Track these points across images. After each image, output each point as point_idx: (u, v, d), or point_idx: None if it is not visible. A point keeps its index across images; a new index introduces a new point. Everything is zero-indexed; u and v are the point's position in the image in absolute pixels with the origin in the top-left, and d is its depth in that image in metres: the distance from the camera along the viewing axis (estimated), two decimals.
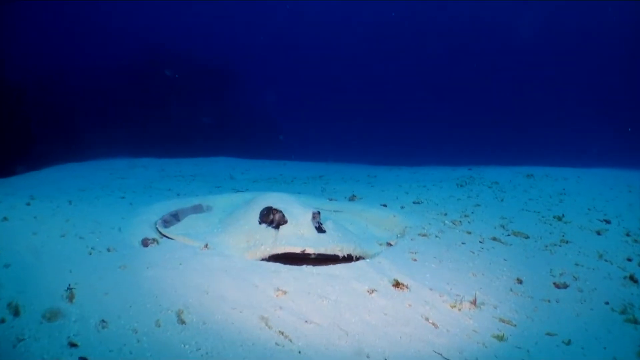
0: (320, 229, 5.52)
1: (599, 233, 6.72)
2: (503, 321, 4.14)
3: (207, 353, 3.30)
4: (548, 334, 3.88)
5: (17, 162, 13.51)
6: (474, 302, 4.33)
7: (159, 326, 3.64)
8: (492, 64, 46.36)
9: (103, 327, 3.52)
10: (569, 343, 3.72)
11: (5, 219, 5.87)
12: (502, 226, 6.78)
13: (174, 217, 6.71)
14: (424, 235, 6.33)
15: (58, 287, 4.01)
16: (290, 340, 3.55)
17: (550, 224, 7.06)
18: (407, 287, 4.59)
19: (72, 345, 3.21)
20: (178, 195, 9.27)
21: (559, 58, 44.66)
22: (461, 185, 10.48)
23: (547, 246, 5.97)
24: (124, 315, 3.73)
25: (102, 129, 20.00)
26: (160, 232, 5.94)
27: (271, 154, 21.59)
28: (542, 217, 7.49)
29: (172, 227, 6.38)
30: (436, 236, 6.29)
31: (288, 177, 13.94)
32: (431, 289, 4.64)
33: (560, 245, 6.06)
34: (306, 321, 3.84)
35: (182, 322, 3.69)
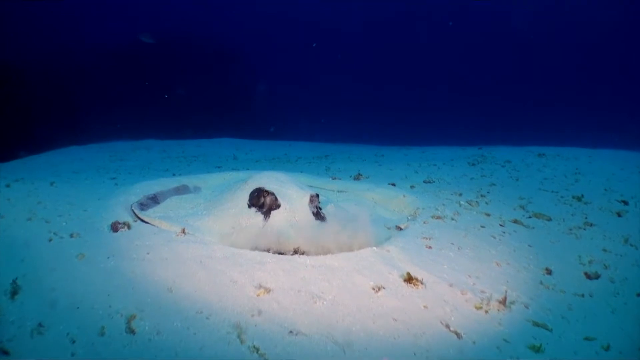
0: (318, 215, 4.59)
1: (619, 215, 6.24)
2: (537, 325, 3.33)
3: None
4: (587, 338, 3.26)
5: (19, 146, 12.80)
6: (503, 302, 3.48)
7: (102, 335, 2.84)
8: (499, 42, 44.77)
9: (39, 333, 2.84)
10: (608, 348, 3.16)
11: None
12: (522, 207, 6.25)
13: (152, 200, 5.80)
14: (438, 217, 5.58)
15: (4, 280, 3.38)
16: None
17: (571, 205, 6.57)
18: (421, 283, 3.70)
19: (4, 352, 2.67)
20: (173, 175, 8.36)
21: (566, 37, 42.92)
22: (473, 164, 10.00)
23: (571, 229, 5.47)
24: (66, 319, 3.00)
25: (106, 111, 19.17)
26: (135, 215, 5.05)
27: (280, 135, 20.61)
28: (561, 197, 7.00)
29: (150, 210, 5.49)
30: (452, 219, 5.58)
31: (293, 156, 13.24)
32: (451, 285, 3.75)
33: (584, 229, 5.55)
34: (291, 331, 2.95)
35: (131, 331, 2.86)
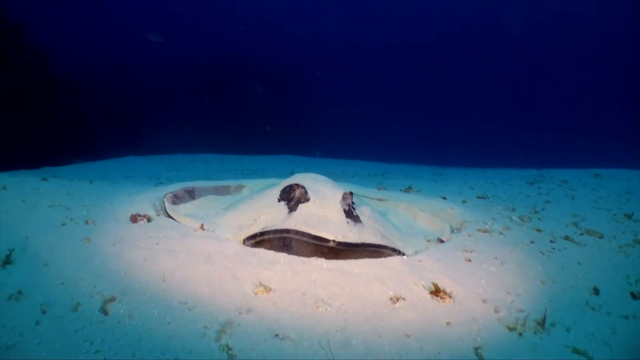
0: (349, 214, 4.35)
1: None
2: (577, 352, 2.91)
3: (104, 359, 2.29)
4: None
5: (73, 153, 13.74)
6: (541, 323, 3.10)
7: (75, 311, 2.81)
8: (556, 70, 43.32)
9: (15, 299, 2.91)
10: None
11: (4, 187, 5.45)
12: (575, 224, 6.27)
13: (188, 194, 5.85)
14: (485, 231, 5.40)
15: (1, 250, 3.50)
16: None
17: (622, 222, 6.59)
18: (449, 296, 3.36)
19: None
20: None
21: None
22: (531, 183, 10.19)
23: (621, 247, 5.39)
24: (47, 292, 3.03)
25: (168, 126, 20.23)
26: (164, 206, 5.12)
27: (339, 154, 20.61)
28: (614, 215, 7.04)
29: (181, 205, 5.53)
30: (500, 233, 5.42)
31: (349, 173, 13.42)
32: (484, 301, 3.39)
33: (633, 246, 5.45)
34: (277, 335, 2.71)
35: (105, 312, 2.79)
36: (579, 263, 4.64)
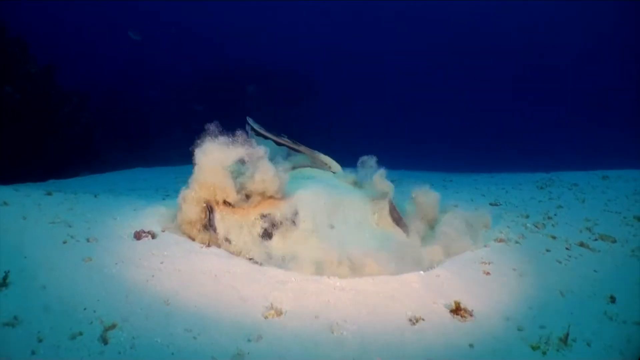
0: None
1: None
2: None
3: None
4: None
5: (81, 165, 13.68)
6: (564, 339, 3.06)
7: (73, 339, 2.69)
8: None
9: (10, 326, 2.79)
10: None
11: (4, 203, 5.37)
12: (588, 229, 6.40)
13: None
14: (502, 240, 5.48)
15: None
16: None
17: (632, 225, 6.75)
18: (470, 314, 3.27)
19: None
20: None
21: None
22: (541, 188, 10.37)
23: (633, 251, 5.51)
24: (44, 317, 2.90)
25: (173, 137, 20.17)
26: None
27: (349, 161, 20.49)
28: (624, 217, 7.21)
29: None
30: (516, 242, 5.50)
31: None
32: (507, 319, 3.32)
33: None
34: None
35: (104, 340, 2.66)
36: (595, 271, 4.72)
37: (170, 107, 21.71)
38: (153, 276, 3.53)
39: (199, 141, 5.01)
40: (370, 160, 5.67)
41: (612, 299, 4.00)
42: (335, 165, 6.37)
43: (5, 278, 3.25)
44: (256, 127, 5.63)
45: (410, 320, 3.12)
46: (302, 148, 6.34)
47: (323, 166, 6.33)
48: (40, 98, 12.75)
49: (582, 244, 5.58)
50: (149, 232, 4.68)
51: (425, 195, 5.80)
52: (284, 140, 5.85)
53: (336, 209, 4.86)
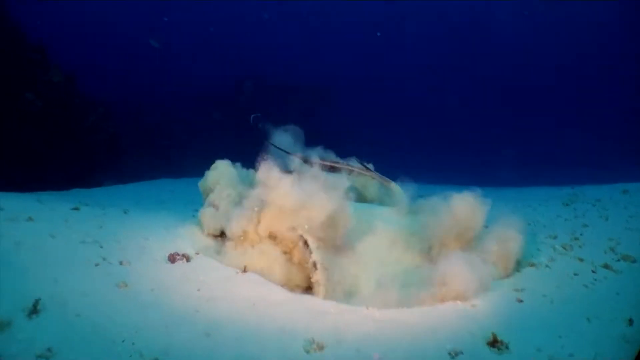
0: None
1: None
2: None
3: None
4: None
5: (104, 175, 13.73)
6: None
7: None
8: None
9: (47, 359, 2.68)
10: None
11: (30, 219, 5.24)
12: (612, 249, 6.45)
13: None
14: (532, 265, 5.65)
15: (28, 297, 3.21)
16: None
17: None
18: (506, 347, 3.30)
19: None
20: None
21: None
22: (567, 204, 10.40)
23: None
24: (79, 349, 2.79)
25: (202, 149, 20.29)
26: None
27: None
28: None
29: None
30: (546, 266, 5.65)
31: None
32: (539, 349, 3.35)
33: None
34: None
35: None
36: (617, 293, 4.85)
37: (195, 116, 21.84)
38: (191, 305, 3.43)
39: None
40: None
41: (630, 322, 4.17)
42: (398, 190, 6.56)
43: (36, 305, 3.13)
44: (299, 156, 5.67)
45: (450, 354, 3.12)
46: (370, 173, 6.33)
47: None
48: (63, 106, 12.85)
49: (606, 266, 5.75)
50: (183, 255, 4.60)
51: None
52: (341, 165, 5.84)
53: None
